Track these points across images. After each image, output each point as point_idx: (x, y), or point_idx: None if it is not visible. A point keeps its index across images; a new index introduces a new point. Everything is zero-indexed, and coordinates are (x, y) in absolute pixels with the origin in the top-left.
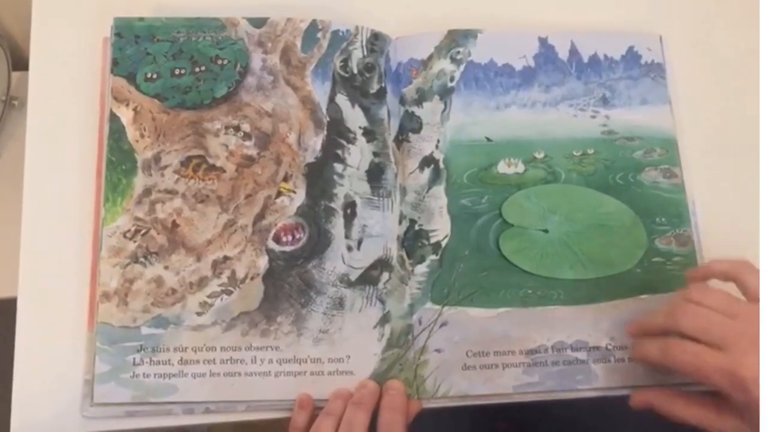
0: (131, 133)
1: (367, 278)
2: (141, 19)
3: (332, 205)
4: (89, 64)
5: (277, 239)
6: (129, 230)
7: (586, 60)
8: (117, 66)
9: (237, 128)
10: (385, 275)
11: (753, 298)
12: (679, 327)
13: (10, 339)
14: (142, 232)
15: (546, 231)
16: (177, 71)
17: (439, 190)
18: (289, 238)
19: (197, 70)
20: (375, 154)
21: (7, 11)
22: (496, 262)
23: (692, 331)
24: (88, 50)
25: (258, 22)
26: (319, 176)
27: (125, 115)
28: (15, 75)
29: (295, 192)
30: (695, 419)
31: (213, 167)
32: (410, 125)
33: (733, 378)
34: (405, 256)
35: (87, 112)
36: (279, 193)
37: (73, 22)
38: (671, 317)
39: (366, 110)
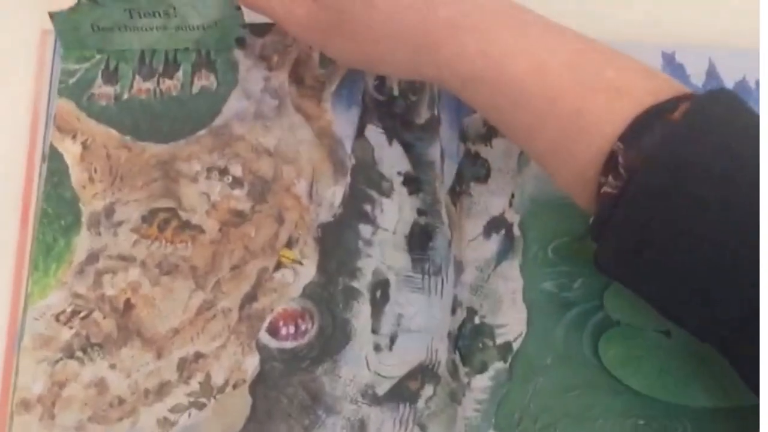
0: (77, 175)
1: (402, 392)
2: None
3: (354, 284)
4: (20, 73)
5: (273, 331)
6: (64, 311)
7: (730, 86)
8: (62, 83)
9: (224, 171)
10: (428, 389)
11: None
12: None
13: None
14: (82, 314)
15: (668, 334)
16: (143, 87)
17: (512, 266)
18: (291, 329)
19: (170, 84)
20: (420, 212)
21: None
22: (593, 377)
23: None
24: (20, 51)
25: (260, 29)
26: (338, 242)
27: (70, 152)
28: None
29: (302, 263)
30: (266, 6)
31: (187, 225)
32: (473, 171)
33: None
34: (459, 362)
35: (11, 144)
36: (279, 265)
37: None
38: None
39: (409, 148)
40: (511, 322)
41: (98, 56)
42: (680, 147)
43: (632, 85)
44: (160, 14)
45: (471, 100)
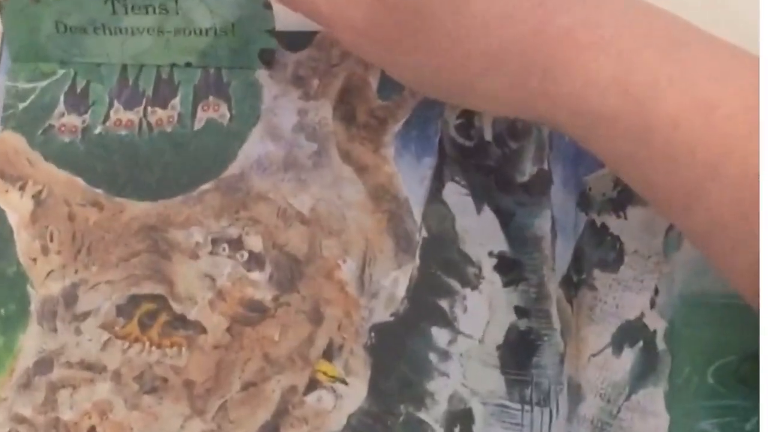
0: (25, 243)
1: None
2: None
3: (422, 415)
4: None
5: None
6: None
7: None
8: (10, 108)
9: (236, 244)
10: None
11: None
12: None
13: None
14: None
15: None
16: (124, 118)
17: (654, 396)
18: None
19: (160, 113)
20: (520, 311)
21: None
22: None
23: None
24: None
25: (294, 41)
26: (400, 353)
27: (16, 209)
28: None
29: (346, 383)
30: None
31: (181, 321)
32: (598, 254)
33: None
34: None
35: None
36: (314, 383)
37: None
38: None
39: (507, 218)
40: None
41: (61, 71)
42: None
43: None
44: (155, 9)
45: (598, 148)
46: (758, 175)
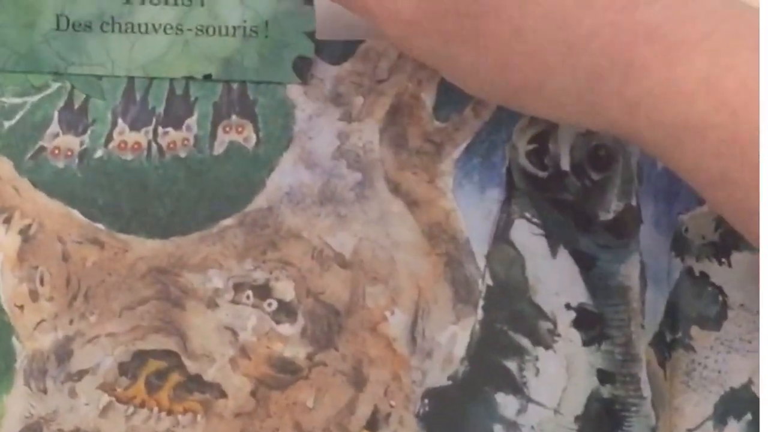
0: (10, 287)
1: None
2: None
3: None
4: None
5: None
6: None
7: None
8: None
9: (263, 291)
10: None
11: None
12: None
13: None
14: None
15: None
16: (129, 140)
17: None
18: None
19: (171, 132)
20: (603, 376)
21: None
22: None
23: None
24: None
25: (335, 52)
26: (459, 423)
27: (0, 247)
28: None
29: None
30: None
31: (197, 382)
32: (698, 308)
33: None
34: None
35: None
36: None
37: None
38: None
39: (588, 264)
40: None
41: (55, 84)
42: None
43: None
44: (176, 0)
45: (683, 166)
46: None
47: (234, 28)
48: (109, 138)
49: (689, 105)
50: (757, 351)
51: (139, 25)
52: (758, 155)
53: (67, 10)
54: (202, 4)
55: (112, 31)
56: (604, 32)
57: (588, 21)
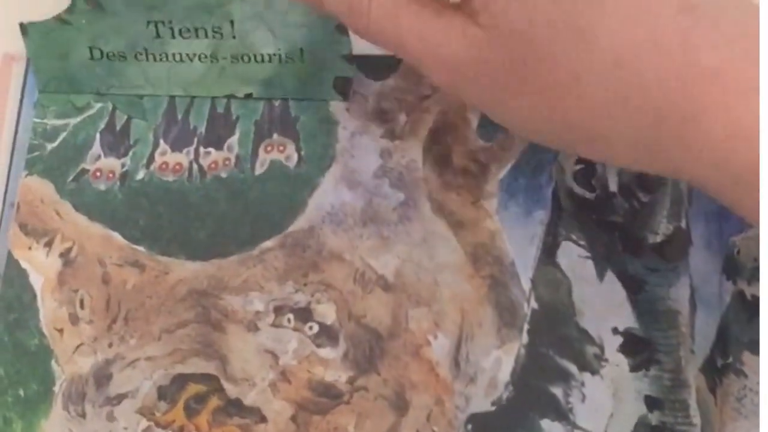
0: (50, 311)
1: None
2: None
3: None
4: None
5: None
6: None
7: None
8: (36, 151)
9: (305, 314)
10: None
11: None
12: None
13: None
14: None
15: None
16: (172, 161)
17: None
18: None
19: (214, 154)
20: (651, 402)
21: None
22: None
23: None
24: None
25: (377, 67)
26: None
27: (41, 269)
28: None
29: None
30: (393, 35)
31: (237, 407)
32: (749, 332)
33: None
34: None
35: None
36: None
37: None
38: None
39: (635, 287)
40: None
41: (97, 105)
42: None
43: None
44: (206, 32)
45: (747, 210)
46: None
47: (269, 55)
48: (151, 159)
49: (750, 149)
50: None
51: (173, 55)
52: None
53: (98, 43)
54: (233, 36)
55: (147, 60)
56: (668, 78)
57: (650, 67)
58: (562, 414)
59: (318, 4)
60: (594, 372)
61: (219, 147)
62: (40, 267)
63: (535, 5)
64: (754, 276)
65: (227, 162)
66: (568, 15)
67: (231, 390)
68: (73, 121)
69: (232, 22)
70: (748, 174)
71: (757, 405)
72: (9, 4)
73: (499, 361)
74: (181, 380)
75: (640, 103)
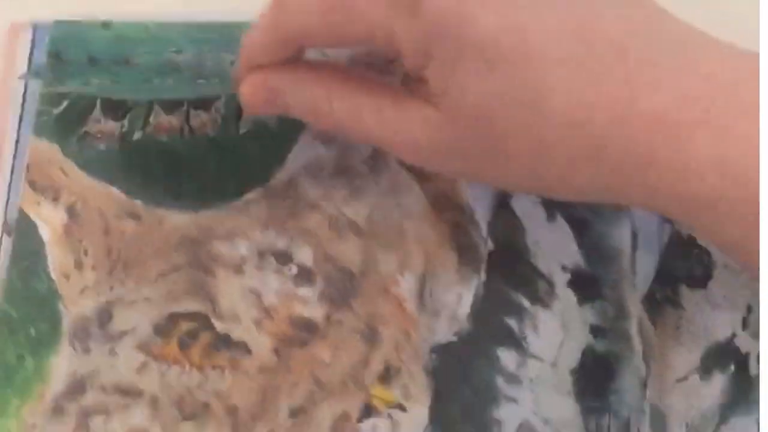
0: (57, 258)
1: None
2: (105, 24)
3: None
4: None
5: None
6: None
7: None
8: (43, 115)
9: (285, 257)
10: None
11: None
12: None
13: None
14: None
15: None
16: (166, 123)
17: (747, 426)
18: None
19: (208, 123)
20: (596, 331)
21: None
22: None
23: None
24: None
25: None
26: (464, 377)
27: (49, 222)
28: None
29: (405, 409)
30: (354, 121)
31: (225, 341)
32: (684, 268)
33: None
34: None
35: None
36: (369, 410)
37: None
38: None
39: (582, 228)
40: None
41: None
42: None
43: None
44: None
45: (707, 235)
46: None
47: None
48: (146, 122)
49: (701, 181)
50: (739, 308)
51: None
52: None
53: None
54: None
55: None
56: (615, 129)
57: (601, 122)
58: (516, 343)
59: (283, 108)
60: (545, 305)
61: (208, 108)
62: (47, 220)
63: (490, 86)
64: None
65: (215, 122)
66: (521, 90)
67: (219, 327)
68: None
69: None
70: (701, 203)
71: (692, 333)
72: None
73: (459, 297)
74: (174, 318)
75: (599, 155)
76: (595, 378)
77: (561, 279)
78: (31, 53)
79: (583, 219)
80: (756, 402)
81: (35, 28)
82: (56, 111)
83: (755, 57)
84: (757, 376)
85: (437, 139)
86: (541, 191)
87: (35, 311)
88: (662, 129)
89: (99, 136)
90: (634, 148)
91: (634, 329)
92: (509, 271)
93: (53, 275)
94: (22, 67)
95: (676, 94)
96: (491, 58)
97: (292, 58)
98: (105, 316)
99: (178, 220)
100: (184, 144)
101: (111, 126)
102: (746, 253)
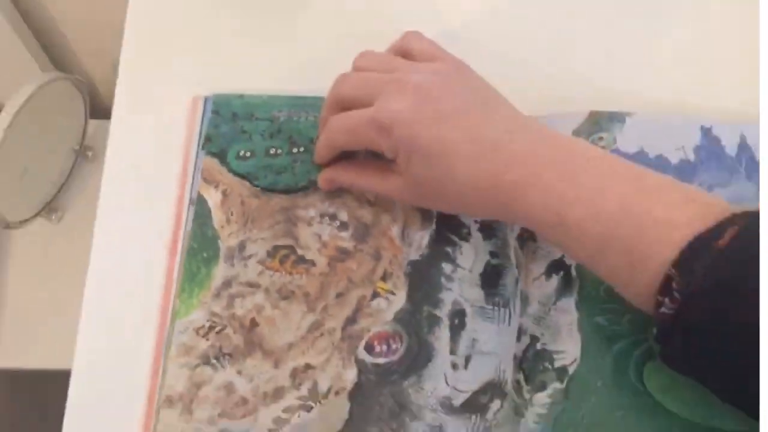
0: (218, 217)
1: (474, 405)
2: (240, 96)
3: (437, 312)
4: (176, 127)
5: (369, 348)
6: (203, 326)
7: (759, 158)
8: (209, 143)
9: (333, 217)
10: (497, 403)
11: (415, 58)
12: (341, 96)
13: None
14: (217, 329)
15: None
16: (273, 150)
17: (569, 302)
18: (384, 348)
19: (295, 150)
20: (492, 254)
21: (89, 55)
22: (637, 400)
23: (350, 94)
24: (176, 111)
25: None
26: (424, 277)
27: (213, 198)
28: (92, 123)
29: (394, 294)
30: (366, 185)
31: (302, 259)
32: None
33: (375, 124)
34: (522, 381)
35: (166, 191)
36: (375, 294)
37: (164, 77)
38: (334, 90)
39: None
40: (567, 349)
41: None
42: (726, 273)
43: (680, 218)
44: None
45: (543, 239)
46: (629, 250)
47: None
48: (267, 151)
49: (539, 217)
50: None
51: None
52: (575, 234)
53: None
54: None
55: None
56: (492, 190)
57: (483, 184)
58: (452, 260)
59: (337, 186)
60: (466, 240)
61: (298, 145)
62: (212, 197)
63: (428, 170)
64: None
65: (299, 151)
66: (444, 171)
67: (299, 252)
68: (224, 130)
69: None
70: (540, 227)
71: (542, 254)
72: (193, 50)
73: (422, 237)
74: (277, 248)
75: (487, 201)
76: (491, 276)
77: (474, 227)
78: (204, 112)
79: None
80: (574, 290)
81: (205, 99)
82: (215, 140)
83: (569, 139)
84: (576, 277)
85: (404, 191)
86: (463, 213)
87: (207, 244)
88: (516, 191)
89: (240, 154)
90: (503, 199)
91: (512, 253)
92: (447, 223)
93: (215, 225)
94: (198, 123)
95: (523, 171)
96: (427, 155)
97: (338, 154)
98: (241, 247)
99: (279, 199)
100: (283, 160)
101: (248, 147)
102: (565, 249)
